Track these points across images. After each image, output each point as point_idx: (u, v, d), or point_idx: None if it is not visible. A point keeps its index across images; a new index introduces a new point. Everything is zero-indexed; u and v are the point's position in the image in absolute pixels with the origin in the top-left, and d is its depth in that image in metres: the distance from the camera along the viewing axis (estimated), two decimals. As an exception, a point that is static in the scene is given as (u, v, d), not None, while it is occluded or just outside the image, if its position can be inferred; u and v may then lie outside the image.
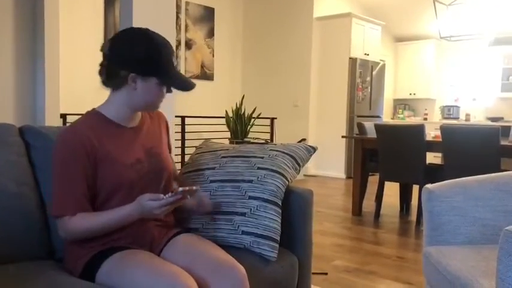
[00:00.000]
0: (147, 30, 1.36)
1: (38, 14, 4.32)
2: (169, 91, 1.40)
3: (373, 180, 5.06)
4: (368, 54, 7.43)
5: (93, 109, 1.41)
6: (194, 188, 1.26)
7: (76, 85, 5.39)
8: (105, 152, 1.33)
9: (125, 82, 1.33)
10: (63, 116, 4.65)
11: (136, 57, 1.31)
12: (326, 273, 2.70)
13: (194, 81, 6.56)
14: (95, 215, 1.30)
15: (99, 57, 1.39)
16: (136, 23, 2.70)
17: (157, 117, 1.55)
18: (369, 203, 4.85)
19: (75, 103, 5.27)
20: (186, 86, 1.37)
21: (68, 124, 1.38)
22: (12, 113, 4.22)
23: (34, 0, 4.33)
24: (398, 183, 4.71)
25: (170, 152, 1.60)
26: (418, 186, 3.90)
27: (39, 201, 1.46)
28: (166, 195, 1.25)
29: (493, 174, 1.82)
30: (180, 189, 1.23)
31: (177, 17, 6.71)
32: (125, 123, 1.41)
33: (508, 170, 1.93)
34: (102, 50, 1.35)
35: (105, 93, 1.43)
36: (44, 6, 4.25)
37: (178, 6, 6.68)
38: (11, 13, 4.22)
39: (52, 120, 4.22)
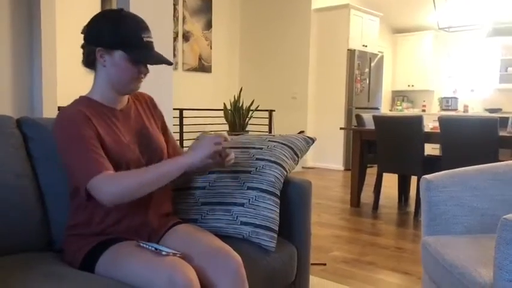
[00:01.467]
0: (121, 9, 1.37)
1: (35, 6, 4.29)
2: (142, 66, 1.36)
3: (371, 171, 5.07)
4: (366, 46, 7.41)
5: (80, 96, 1.42)
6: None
7: (73, 77, 5.38)
8: (103, 132, 1.33)
9: (95, 59, 1.35)
10: (61, 109, 4.64)
11: (101, 31, 1.33)
12: (324, 264, 2.71)
13: (192, 73, 6.54)
14: (140, 171, 1.29)
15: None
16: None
17: (142, 99, 1.55)
18: (367, 195, 4.86)
19: (73, 95, 5.25)
20: (157, 59, 1.35)
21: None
22: (9, 105, 4.21)
23: (30, -8, 4.30)
24: (396, 175, 4.72)
25: (166, 130, 1.60)
26: (416, 177, 3.91)
27: (38, 193, 1.46)
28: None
29: (490, 164, 1.83)
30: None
31: (175, 9, 6.67)
32: (113, 104, 1.42)
33: (506, 161, 1.93)
34: (82, 32, 1.39)
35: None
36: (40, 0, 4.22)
37: (175, -2, 6.65)
38: (7, 6, 4.19)
39: (49, 113, 4.20)
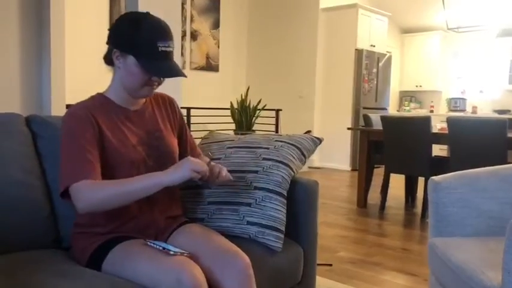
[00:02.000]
0: (146, 13, 1.35)
1: (44, 4, 4.32)
2: (156, 76, 1.34)
3: (378, 172, 5.05)
4: (374, 46, 7.39)
5: (97, 93, 1.43)
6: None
7: (82, 76, 5.40)
8: (108, 131, 1.34)
9: (112, 59, 1.36)
10: (69, 107, 4.66)
11: (119, 32, 1.33)
12: (331, 265, 2.70)
13: (199, 72, 6.56)
14: (116, 182, 1.25)
15: (104, 49, 1.40)
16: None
17: (162, 101, 1.54)
18: (374, 195, 4.84)
19: (81, 94, 5.27)
20: (167, 72, 1.32)
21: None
22: (18, 103, 4.24)
23: (40, -9, 4.32)
24: (403, 176, 4.70)
25: (185, 132, 1.59)
26: (423, 178, 3.89)
27: (46, 190, 1.47)
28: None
29: (499, 166, 1.81)
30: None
31: (183, 8, 6.68)
32: (126, 105, 1.42)
33: (515, 162, 1.91)
34: (108, 29, 1.39)
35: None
36: (49, -1, 4.25)
37: (183, -3, 6.65)
38: (16, 5, 4.21)
39: (58, 111, 4.23)
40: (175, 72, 1.33)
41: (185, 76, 1.39)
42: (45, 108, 4.30)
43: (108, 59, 1.38)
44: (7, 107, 3.67)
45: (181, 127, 1.58)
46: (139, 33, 1.30)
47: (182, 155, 1.52)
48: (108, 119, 1.36)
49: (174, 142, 1.50)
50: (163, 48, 1.31)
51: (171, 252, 1.20)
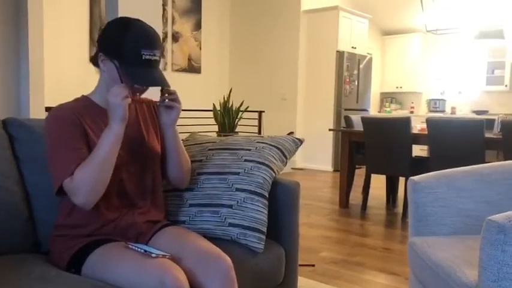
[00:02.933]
0: (136, 20, 1.35)
1: (22, 6, 4.25)
2: (137, 85, 1.33)
3: (360, 172, 5.10)
4: (355, 48, 7.46)
5: (82, 95, 1.42)
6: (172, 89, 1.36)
7: (62, 78, 5.33)
8: (91, 134, 1.33)
9: (97, 61, 1.36)
10: (48, 109, 4.60)
11: (106, 37, 1.33)
12: (313, 265, 2.72)
13: (181, 74, 6.51)
14: (87, 160, 1.24)
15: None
16: (122, 15, 2.68)
17: (146, 106, 1.54)
18: (356, 196, 4.88)
19: (61, 96, 5.21)
20: (148, 81, 1.29)
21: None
22: (-4, 106, 4.16)
23: (17, -9, 4.26)
24: (384, 176, 4.76)
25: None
26: (404, 178, 3.94)
27: (24, 195, 1.45)
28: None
29: (476, 166, 1.85)
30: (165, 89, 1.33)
31: (164, 9, 6.65)
32: None
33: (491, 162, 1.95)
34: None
35: (91, 86, 1.43)
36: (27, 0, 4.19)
37: (165, -2, 6.62)
38: (-7, 4, 4.14)
39: (37, 113, 4.17)
40: (158, 81, 1.31)
41: (168, 86, 1.36)
42: (23, 111, 4.23)
43: (94, 62, 1.38)
44: (-16, 110, 3.59)
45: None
46: (124, 40, 1.29)
47: (164, 156, 1.52)
48: (92, 121, 1.35)
49: (156, 146, 1.49)
50: (147, 57, 1.29)
51: (153, 255, 1.20)
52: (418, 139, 3.96)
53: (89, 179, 1.22)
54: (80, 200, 1.24)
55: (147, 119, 1.52)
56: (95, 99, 1.40)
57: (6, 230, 1.36)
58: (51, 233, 1.38)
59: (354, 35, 7.44)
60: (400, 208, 4.42)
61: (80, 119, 1.32)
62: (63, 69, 5.39)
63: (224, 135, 5.81)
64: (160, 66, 2.90)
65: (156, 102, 1.55)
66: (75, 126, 1.30)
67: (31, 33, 4.26)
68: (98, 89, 1.41)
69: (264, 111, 6.42)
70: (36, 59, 4.29)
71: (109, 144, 1.25)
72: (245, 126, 6.16)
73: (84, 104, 1.38)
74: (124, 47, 1.29)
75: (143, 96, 1.48)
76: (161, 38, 3.42)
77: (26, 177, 1.47)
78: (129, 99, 1.28)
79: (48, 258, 1.37)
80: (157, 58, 1.33)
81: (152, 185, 1.48)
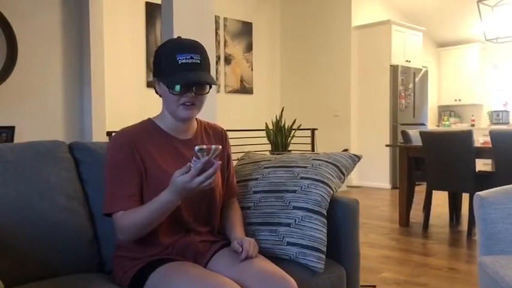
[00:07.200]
0: (177, 37, 1.40)
1: (84, 38, 4.52)
2: (183, 92, 1.30)
3: (419, 189, 4.91)
4: (410, 61, 7.28)
5: (148, 118, 1.46)
6: (213, 146, 1.15)
7: (121, 104, 5.56)
8: (151, 159, 1.35)
9: (155, 87, 1.40)
10: (109, 134, 4.80)
11: (154, 61, 1.38)
12: (374, 286, 2.62)
13: (234, 95, 6.63)
14: (137, 209, 1.27)
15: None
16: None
17: (213, 132, 1.53)
18: (416, 213, 4.70)
19: (121, 121, 5.43)
20: (189, 78, 1.27)
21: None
22: (62, 130, 4.40)
23: (80, 24, 4.53)
24: (446, 192, 4.55)
25: (229, 164, 1.55)
26: (467, 194, 3.74)
27: (89, 215, 1.50)
28: (191, 163, 1.16)
29: (551, 179, 1.72)
30: (197, 147, 1.12)
31: (216, 33, 6.82)
32: (175, 133, 1.42)
33: None
34: None
35: (149, 111, 1.47)
36: (89, 31, 4.46)
37: (216, 23, 6.79)
38: (59, 38, 4.42)
39: (99, 137, 4.37)
40: (198, 78, 1.28)
41: (215, 83, 1.33)
42: (86, 135, 4.45)
43: (155, 88, 1.41)
44: (51, 135, 3.81)
45: (227, 164, 1.55)
46: (162, 55, 1.33)
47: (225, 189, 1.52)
48: (152, 145, 1.37)
49: (217, 177, 1.41)
50: (183, 61, 1.28)
51: (197, 148, 1.13)
52: (481, 153, 3.77)
53: (134, 227, 1.28)
54: (123, 238, 1.31)
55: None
56: (159, 123, 1.43)
57: (72, 249, 1.41)
58: (114, 253, 1.42)
59: (407, 48, 7.27)
60: (464, 226, 4.20)
61: (138, 143, 1.35)
62: (123, 95, 5.62)
63: (277, 154, 5.81)
64: (214, 88, 2.94)
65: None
66: (130, 154, 1.33)
67: (93, 63, 4.51)
68: (162, 113, 1.43)
69: (317, 129, 6.38)
70: (98, 88, 4.53)
71: (162, 209, 1.24)
72: (298, 144, 6.13)
73: (146, 127, 1.41)
74: (164, 60, 1.31)
75: (212, 122, 1.49)
76: (214, 60, 3.49)
77: (90, 198, 1.52)
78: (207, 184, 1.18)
79: (112, 278, 1.40)
80: (197, 61, 1.29)
81: (207, 212, 1.44)
